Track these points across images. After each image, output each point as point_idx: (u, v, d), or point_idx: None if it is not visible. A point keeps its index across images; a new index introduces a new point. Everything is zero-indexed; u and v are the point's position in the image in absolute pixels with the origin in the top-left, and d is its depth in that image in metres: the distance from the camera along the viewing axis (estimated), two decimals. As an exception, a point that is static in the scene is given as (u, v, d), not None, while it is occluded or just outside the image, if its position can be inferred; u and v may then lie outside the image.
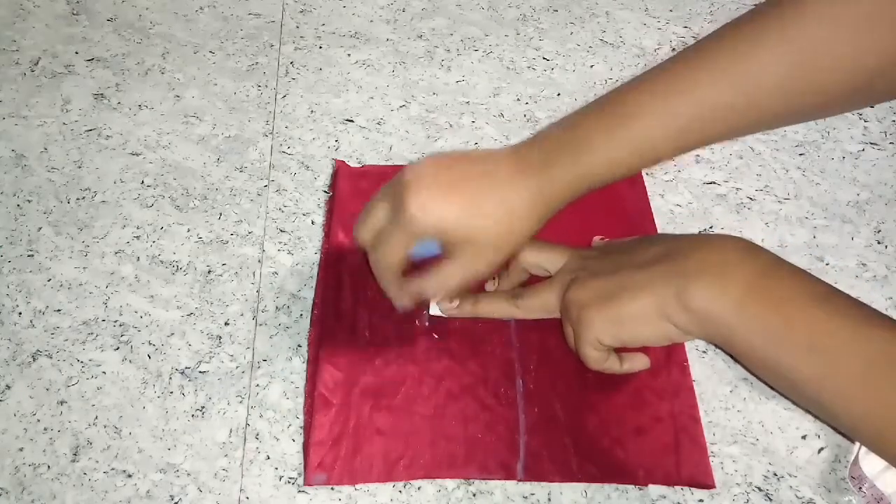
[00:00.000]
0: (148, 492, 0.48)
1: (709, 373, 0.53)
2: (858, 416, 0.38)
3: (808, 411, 0.45)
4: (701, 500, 0.48)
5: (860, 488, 0.47)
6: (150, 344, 0.54)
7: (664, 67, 0.44)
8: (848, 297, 0.40)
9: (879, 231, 0.61)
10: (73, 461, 0.49)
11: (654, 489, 0.48)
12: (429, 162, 0.46)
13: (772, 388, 0.44)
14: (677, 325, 0.44)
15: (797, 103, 0.42)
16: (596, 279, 0.47)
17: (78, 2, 0.76)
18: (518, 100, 0.69)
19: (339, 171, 0.63)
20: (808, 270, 0.42)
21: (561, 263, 0.52)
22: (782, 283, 0.42)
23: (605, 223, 0.59)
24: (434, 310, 0.54)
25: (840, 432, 0.50)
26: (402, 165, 0.64)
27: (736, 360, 0.42)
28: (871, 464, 0.46)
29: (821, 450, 0.50)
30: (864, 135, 0.67)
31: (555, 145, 0.45)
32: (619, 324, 0.46)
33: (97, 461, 0.49)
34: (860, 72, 0.40)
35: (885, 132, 0.68)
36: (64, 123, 0.67)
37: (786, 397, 0.42)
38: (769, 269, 0.42)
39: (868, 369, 0.37)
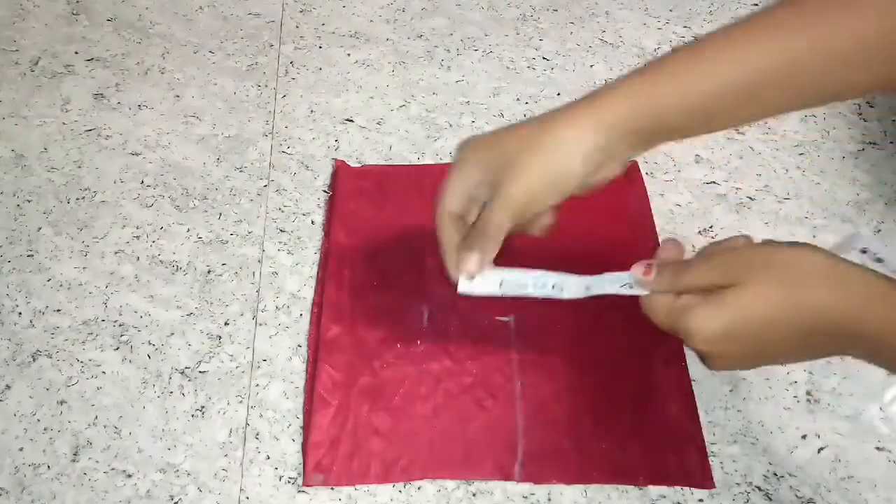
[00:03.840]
0: (148, 492, 0.48)
1: (709, 373, 0.53)
2: None
3: None
4: (701, 500, 0.48)
5: None
6: (150, 344, 0.54)
7: (727, 30, 0.44)
8: None
9: (879, 231, 0.61)
10: (73, 461, 0.49)
11: (654, 489, 0.48)
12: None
13: None
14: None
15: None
16: (786, 357, 0.46)
17: (78, 2, 0.76)
18: (518, 99, 0.69)
19: (339, 171, 0.63)
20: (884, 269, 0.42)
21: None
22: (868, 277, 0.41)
23: (606, 223, 0.59)
24: (463, 286, 0.47)
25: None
26: (402, 165, 0.64)
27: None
28: None
29: (821, 450, 0.50)
30: (863, 134, 0.67)
31: (607, 85, 0.45)
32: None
33: (97, 461, 0.49)
34: None
35: (885, 132, 0.67)
36: (64, 123, 0.67)
37: None
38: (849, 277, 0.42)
39: None
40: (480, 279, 0.47)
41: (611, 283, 0.47)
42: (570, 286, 0.47)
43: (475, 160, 0.46)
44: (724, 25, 0.44)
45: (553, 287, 0.47)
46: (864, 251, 0.49)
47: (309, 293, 0.56)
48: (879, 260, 0.49)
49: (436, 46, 0.73)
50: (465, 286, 0.47)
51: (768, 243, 0.45)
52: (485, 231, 0.45)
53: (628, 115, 0.44)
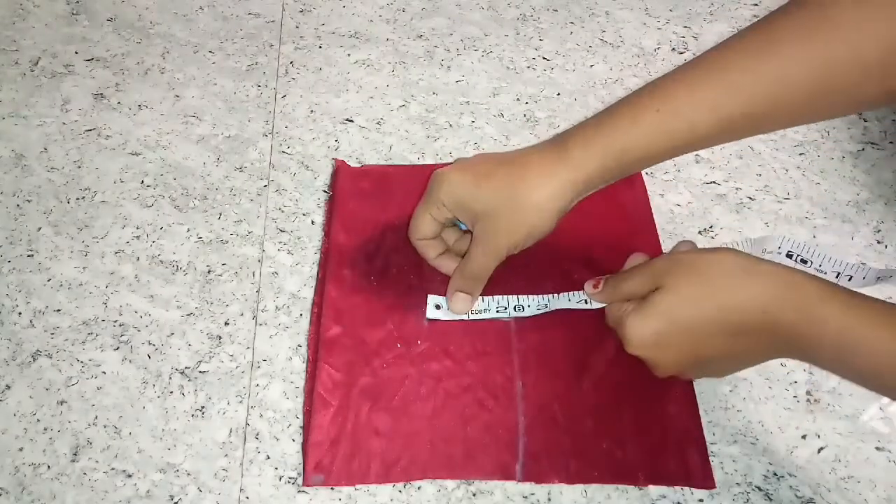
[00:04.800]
0: (148, 492, 0.48)
1: (708, 373, 0.53)
2: None
3: None
4: (701, 500, 0.48)
5: None
6: (150, 344, 0.54)
7: (692, 63, 0.46)
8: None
9: (879, 231, 0.61)
10: (73, 461, 0.49)
11: (654, 489, 0.48)
12: (474, 157, 0.51)
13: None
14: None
15: (823, 103, 0.43)
16: (721, 362, 0.48)
17: (78, 2, 0.76)
18: (518, 99, 0.69)
19: (339, 171, 0.63)
20: (808, 270, 0.43)
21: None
22: (842, 297, 0.42)
23: (605, 223, 0.59)
24: (432, 313, 0.54)
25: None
26: (402, 165, 0.64)
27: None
28: None
29: (821, 450, 0.50)
30: (863, 135, 0.67)
31: (581, 130, 0.48)
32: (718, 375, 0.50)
33: (97, 461, 0.49)
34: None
35: (885, 132, 0.67)
36: (64, 123, 0.67)
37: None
38: (821, 293, 0.42)
39: None
40: (447, 309, 0.54)
41: (569, 299, 0.54)
42: (530, 305, 0.54)
43: (451, 202, 0.50)
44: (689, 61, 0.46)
45: (515, 308, 0.54)
46: (789, 255, 0.51)
47: (309, 293, 0.56)
48: (804, 261, 0.50)
49: (436, 46, 0.73)
50: (433, 313, 0.54)
51: (694, 250, 0.49)
52: (473, 275, 0.52)
53: (600, 170, 0.47)
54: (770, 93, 0.43)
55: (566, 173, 0.47)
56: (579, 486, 0.48)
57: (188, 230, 0.60)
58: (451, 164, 0.51)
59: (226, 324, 0.55)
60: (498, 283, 0.53)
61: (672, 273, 0.46)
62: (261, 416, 0.51)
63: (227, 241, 0.59)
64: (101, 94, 0.69)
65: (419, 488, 0.48)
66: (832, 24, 0.42)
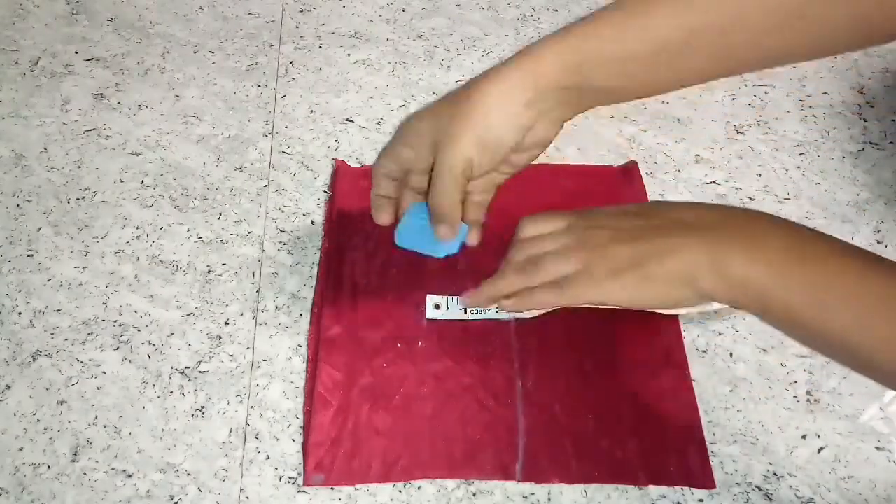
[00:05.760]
0: (148, 492, 0.48)
1: (709, 373, 0.53)
2: None
3: (845, 365, 0.45)
4: (701, 500, 0.48)
5: None
6: (150, 344, 0.54)
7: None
8: (875, 254, 0.42)
9: (879, 231, 0.61)
10: (73, 461, 0.49)
11: (654, 489, 0.48)
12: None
13: (806, 346, 0.44)
14: (702, 291, 0.43)
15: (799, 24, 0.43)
16: (620, 245, 0.46)
17: (78, 2, 0.76)
18: (518, 100, 0.69)
19: (339, 171, 0.63)
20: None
21: (564, 225, 0.50)
22: (813, 244, 0.43)
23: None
24: (432, 313, 0.54)
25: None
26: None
27: (767, 321, 0.43)
28: None
29: (821, 450, 0.50)
30: (863, 135, 0.67)
31: (540, 43, 0.46)
32: (644, 285, 0.45)
33: (97, 461, 0.49)
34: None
35: (885, 132, 0.68)
36: (64, 123, 0.67)
37: (822, 353, 0.43)
38: (798, 233, 0.43)
39: None
40: (446, 309, 0.54)
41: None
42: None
43: (416, 131, 0.48)
44: None
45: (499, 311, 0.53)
46: None
47: (309, 293, 0.56)
48: None
49: (436, 46, 0.73)
50: (433, 313, 0.54)
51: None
52: (439, 203, 0.48)
53: (555, 70, 0.45)
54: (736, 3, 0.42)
55: (518, 72, 0.45)
56: (579, 486, 0.48)
57: (188, 230, 0.60)
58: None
59: (226, 324, 0.55)
60: None
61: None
62: (261, 416, 0.51)
63: (227, 241, 0.59)
64: (101, 94, 0.69)
65: (419, 488, 0.48)
66: None
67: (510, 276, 0.49)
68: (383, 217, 0.52)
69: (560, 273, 0.47)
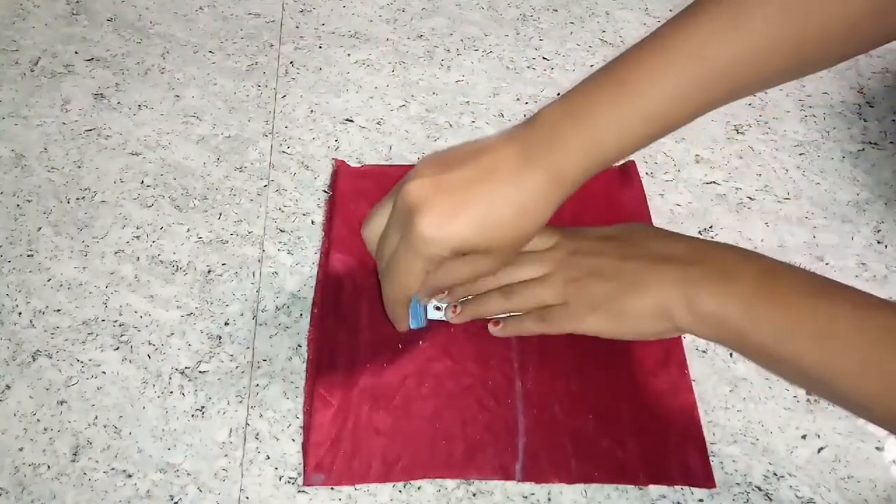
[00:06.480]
0: (148, 492, 0.48)
1: (708, 372, 0.53)
2: (869, 396, 0.39)
3: (827, 400, 0.46)
4: (701, 500, 0.48)
5: None
6: (150, 344, 0.54)
7: (658, 34, 0.44)
8: (846, 286, 0.42)
9: (879, 231, 0.61)
10: (73, 461, 0.49)
11: (654, 489, 0.48)
12: (428, 172, 0.44)
13: (787, 381, 0.45)
14: (680, 327, 0.45)
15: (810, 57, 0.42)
16: (597, 281, 0.48)
17: (78, 2, 0.76)
18: (518, 99, 0.69)
19: (339, 171, 0.63)
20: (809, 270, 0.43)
21: (550, 244, 0.51)
22: (783, 281, 0.43)
23: (603, 224, 0.59)
24: (432, 314, 0.54)
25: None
26: (402, 165, 0.64)
27: (744, 356, 0.43)
28: None
29: (821, 450, 0.50)
30: (863, 135, 0.67)
31: (557, 124, 0.43)
32: (619, 320, 0.47)
33: (97, 461, 0.49)
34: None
35: (885, 132, 0.67)
36: (64, 123, 0.67)
37: (804, 388, 0.43)
38: (769, 270, 0.44)
39: (873, 350, 0.38)
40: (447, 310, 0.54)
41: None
42: None
43: (446, 251, 0.46)
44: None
45: None
46: None
47: (309, 293, 0.56)
48: None
49: (436, 46, 0.73)
50: (433, 313, 0.54)
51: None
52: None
53: (581, 172, 0.44)
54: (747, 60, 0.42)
55: (544, 177, 0.43)
56: (579, 486, 0.48)
57: (188, 230, 0.60)
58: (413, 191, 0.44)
59: (226, 324, 0.55)
60: None
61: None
62: (261, 416, 0.51)
63: (227, 241, 0.59)
64: (101, 94, 0.69)
65: (419, 488, 0.48)
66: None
67: (495, 299, 0.51)
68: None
69: (542, 303, 0.49)
